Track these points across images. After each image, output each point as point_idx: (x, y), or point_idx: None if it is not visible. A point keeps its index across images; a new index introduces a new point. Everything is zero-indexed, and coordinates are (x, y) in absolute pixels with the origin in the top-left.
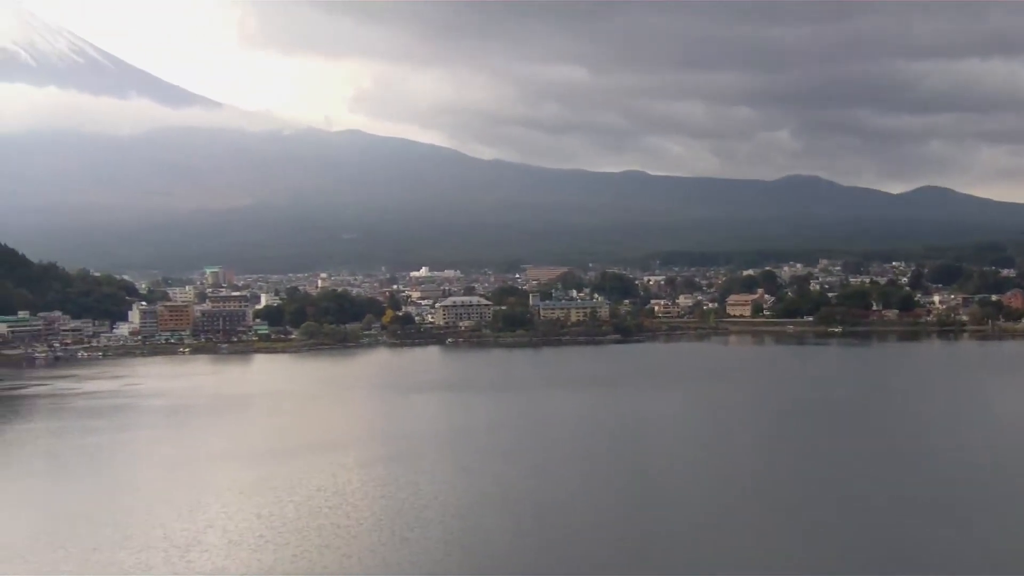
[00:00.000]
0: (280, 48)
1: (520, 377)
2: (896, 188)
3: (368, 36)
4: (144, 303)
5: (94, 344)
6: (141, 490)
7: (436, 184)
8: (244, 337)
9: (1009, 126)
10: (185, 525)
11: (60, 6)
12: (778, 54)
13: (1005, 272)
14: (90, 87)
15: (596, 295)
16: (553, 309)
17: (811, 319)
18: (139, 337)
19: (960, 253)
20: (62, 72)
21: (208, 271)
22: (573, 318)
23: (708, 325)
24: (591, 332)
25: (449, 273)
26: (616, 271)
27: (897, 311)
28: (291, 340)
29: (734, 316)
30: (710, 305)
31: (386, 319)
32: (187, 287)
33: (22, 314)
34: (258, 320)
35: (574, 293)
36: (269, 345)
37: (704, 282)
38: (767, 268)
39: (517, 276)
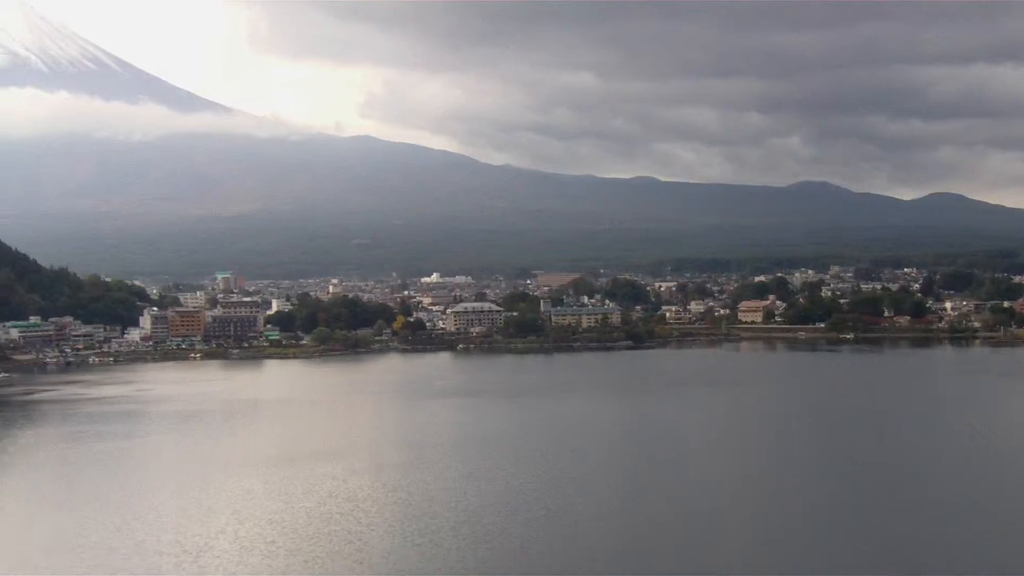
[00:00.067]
0: (291, 54)
1: (531, 383)
2: (907, 194)
3: (379, 42)
4: (155, 308)
5: (105, 349)
6: (152, 495)
7: (447, 190)
8: (255, 343)
9: (1020, 132)
10: (196, 530)
11: (72, 11)
12: (789, 61)
13: (1017, 278)
14: (101, 92)
15: (608, 301)
16: (564, 315)
17: (823, 325)
18: (150, 342)
19: (972, 259)
20: (73, 77)
21: (219, 276)
22: (584, 324)
23: (720, 331)
24: (603, 338)
25: (460, 279)
26: (627, 277)
27: (909, 317)
28: (302, 346)
29: (746, 322)
30: (722, 311)
31: (397, 325)
32: (198, 292)
33: (33, 319)
34: (269, 326)
35: (585, 299)
36: (280, 351)
37: (716, 288)
38: (779, 274)
39: (528, 282)
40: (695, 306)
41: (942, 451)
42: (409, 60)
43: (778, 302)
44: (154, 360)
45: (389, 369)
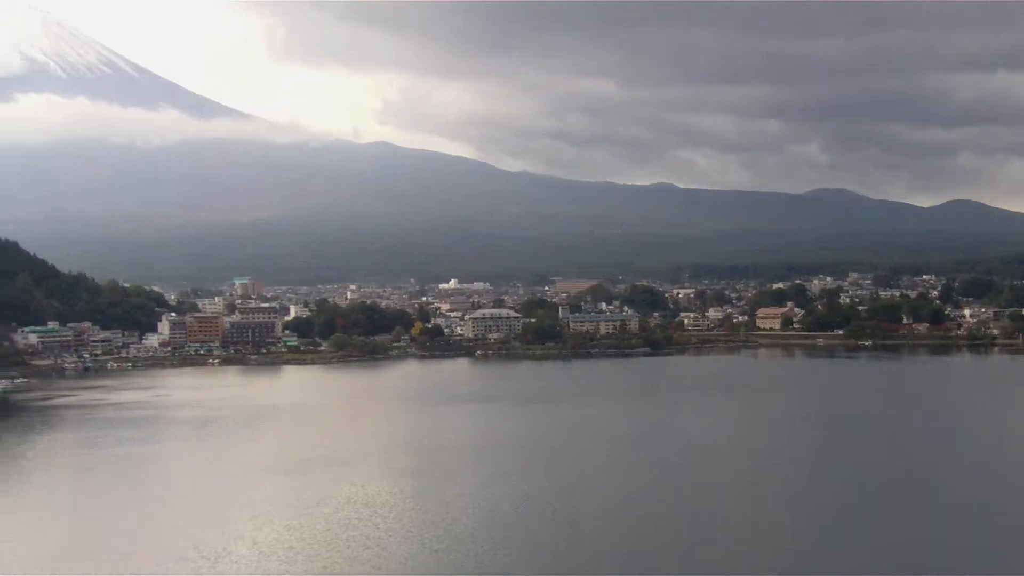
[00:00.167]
0: (308, 60)
1: (549, 389)
2: (926, 201)
3: (396, 48)
4: (173, 314)
5: (123, 355)
6: (171, 501)
7: (464, 196)
8: (273, 348)
9: None
10: (215, 536)
11: (90, 18)
12: (808, 67)
13: None
14: (119, 98)
15: (625, 308)
16: (582, 322)
17: (841, 332)
18: (168, 348)
19: (990, 266)
20: (91, 83)
21: (237, 282)
22: (602, 331)
23: (738, 338)
24: (620, 345)
25: (478, 285)
26: (645, 284)
27: (927, 324)
28: (320, 352)
29: (764, 329)
30: (740, 318)
31: (415, 331)
32: (216, 298)
33: (52, 325)
34: (287, 331)
35: (603, 306)
36: (298, 356)
37: (734, 295)
38: (797, 281)
39: (546, 288)
40: (713, 313)
41: (955, 455)
42: (426, 66)
43: (796, 309)
44: (172, 366)
45: (407, 375)
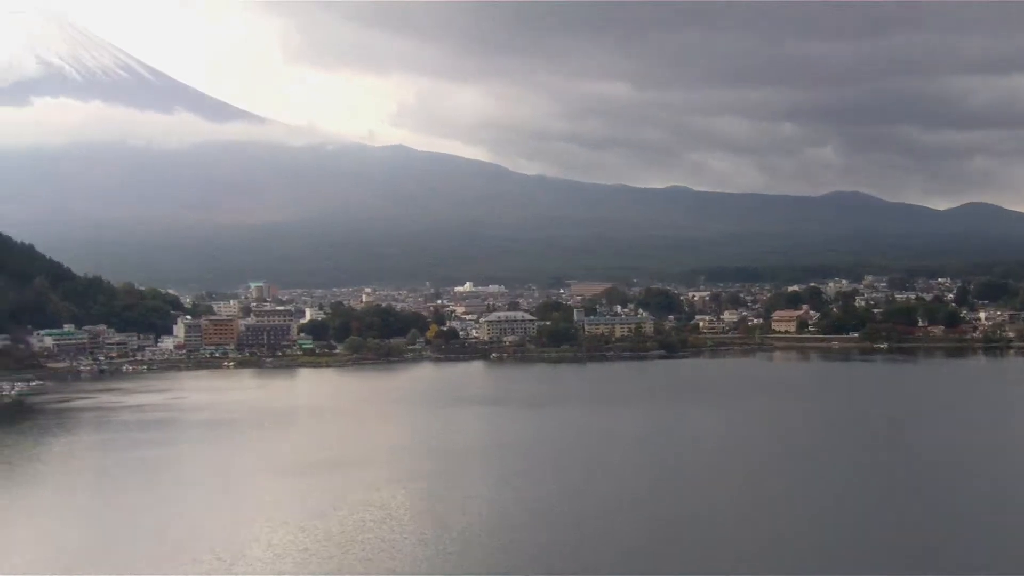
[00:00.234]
0: (324, 63)
1: (564, 392)
2: (941, 204)
3: (412, 51)
4: (189, 317)
5: (139, 358)
6: (186, 503)
7: (480, 199)
8: (288, 351)
9: None
10: (230, 538)
11: (106, 22)
12: (823, 70)
13: None
14: (135, 102)
15: (640, 311)
16: (597, 324)
17: (856, 335)
18: (184, 351)
19: (1006, 269)
20: (107, 87)
21: (253, 285)
22: (617, 333)
23: (753, 341)
24: (635, 348)
25: (493, 288)
26: (660, 287)
27: (943, 327)
28: (335, 355)
29: (779, 332)
30: (755, 321)
31: (430, 334)
32: (232, 301)
33: (67, 327)
34: (302, 334)
35: (618, 309)
36: (313, 360)
37: (749, 298)
38: (812, 284)
39: (561, 291)
40: (728, 316)
41: (972, 458)
42: (441, 69)
43: (811, 312)
44: (187, 368)
45: (422, 378)
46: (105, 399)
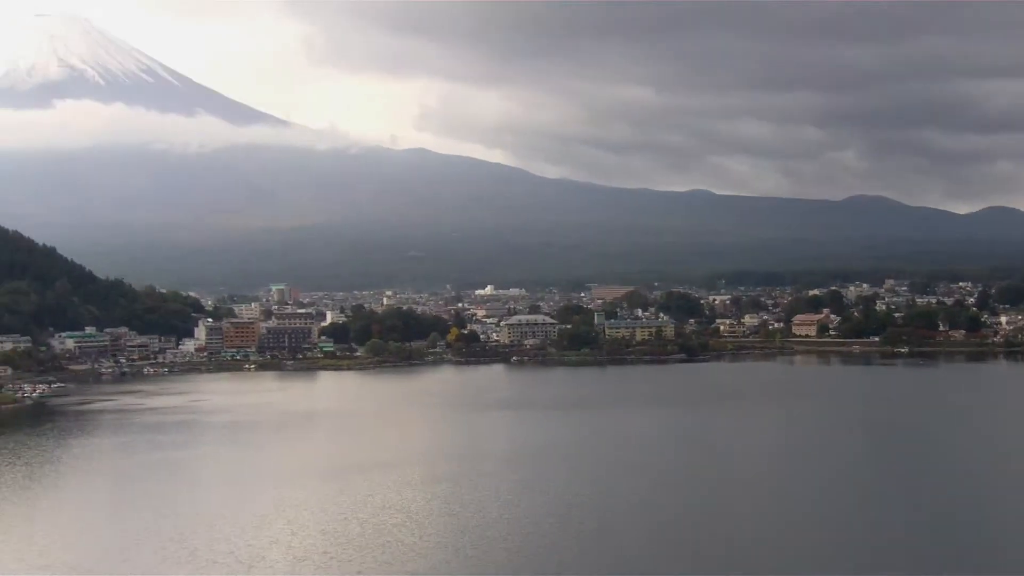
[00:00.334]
0: (347, 66)
1: (585, 396)
2: (963, 208)
3: (435, 55)
4: (210, 320)
5: (160, 360)
6: (206, 506)
7: (502, 203)
8: (309, 354)
9: None
10: (250, 541)
11: (128, 25)
12: (846, 74)
13: None
14: (157, 105)
15: (661, 314)
16: (618, 328)
17: (877, 339)
18: (205, 353)
19: None
20: (130, 90)
21: (274, 288)
22: (638, 337)
23: (774, 345)
24: (656, 351)
25: (514, 291)
26: (681, 290)
27: (964, 332)
28: (356, 357)
29: (800, 336)
30: (776, 325)
31: (451, 337)
32: (253, 304)
33: (89, 330)
34: (323, 337)
35: (639, 312)
36: (334, 362)
37: (770, 302)
38: (833, 288)
39: (582, 295)
40: (749, 319)
41: (993, 464)
42: (464, 73)
43: (832, 316)
44: (208, 371)
45: (442, 381)
46: (126, 401)
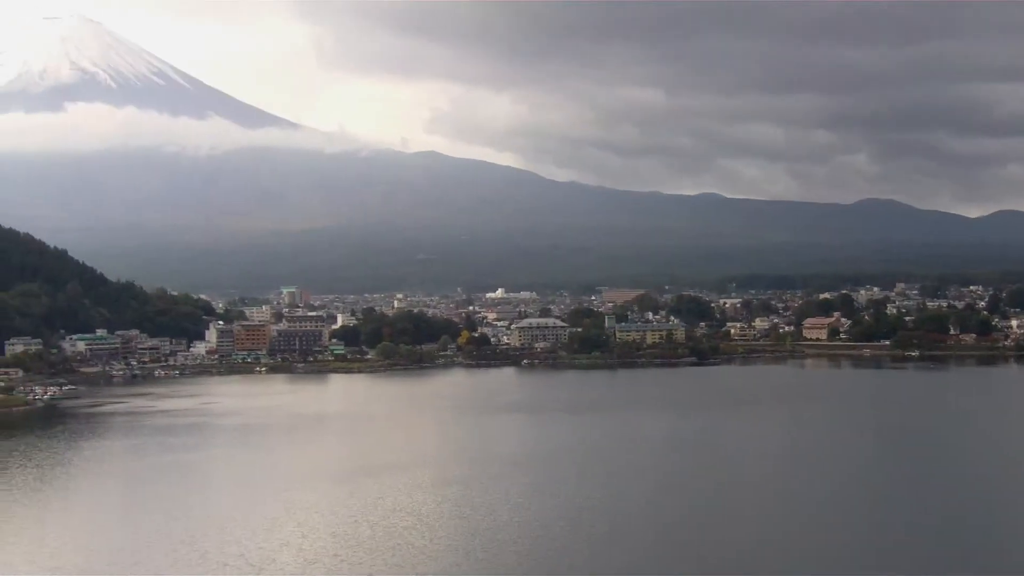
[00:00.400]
0: (357, 70)
1: (596, 399)
2: (973, 212)
3: (445, 58)
4: (221, 322)
5: (171, 362)
6: (216, 508)
7: (512, 206)
8: (320, 357)
9: None
10: (260, 543)
11: (140, 28)
12: (856, 77)
13: None
14: (169, 108)
15: (672, 318)
16: (629, 331)
17: (888, 343)
18: (216, 356)
19: None
20: (141, 93)
21: (285, 291)
22: (649, 340)
23: (784, 348)
24: (667, 354)
25: (525, 295)
26: (692, 294)
27: (974, 335)
28: (367, 360)
29: (810, 339)
30: (786, 328)
31: (462, 340)
32: (264, 307)
33: (100, 332)
34: (334, 340)
35: (650, 315)
36: (345, 365)
37: (780, 305)
38: (844, 291)
39: (593, 298)
40: (760, 323)
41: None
42: (474, 76)
43: (843, 319)
44: (219, 374)
45: (453, 384)
46: (137, 404)
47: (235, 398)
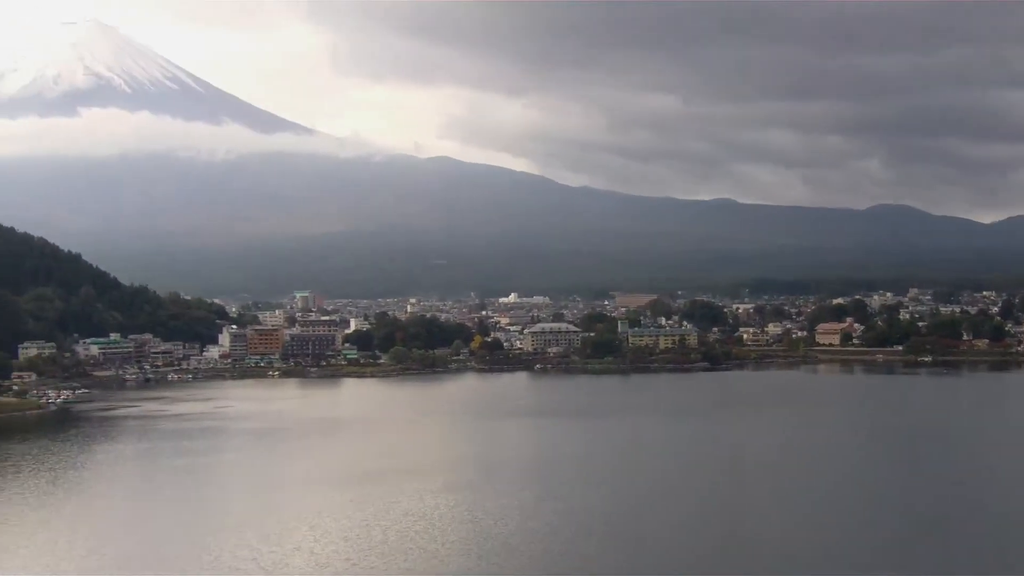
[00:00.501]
0: (371, 75)
1: (608, 404)
2: (987, 217)
3: (459, 64)
4: (234, 326)
5: (184, 366)
6: (229, 512)
7: (525, 211)
8: (333, 361)
9: None
10: (272, 548)
11: (154, 33)
12: (870, 83)
13: None
14: (183, 113)
15: (685, 323)
16: (642, 336)
17: (900, 348)
18: (229, 360)
19: None
20: (155, 98)
21: (298, 295)
22: (662, 345)
23: (797, 353)
24: (679, 359)
25: (538, 299)
26: (705, 299)
27: (987, 341)
28: (380, 365)
29: (823, 345)
30: (799, 333)
31: (474, 345)
32: (277, 311)
33: (114, 336)
34: (347, 344)
35: (663, 320)
36: (358, 369)
37: (793, 310)
38: (857, 297)
39: (606, 303)
40: (772, 328)
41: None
42: (488, 81)
43: (856, 325)
44: (232, 378)
45: (466, 388)
46: (150, 407)
47: (248, 402)
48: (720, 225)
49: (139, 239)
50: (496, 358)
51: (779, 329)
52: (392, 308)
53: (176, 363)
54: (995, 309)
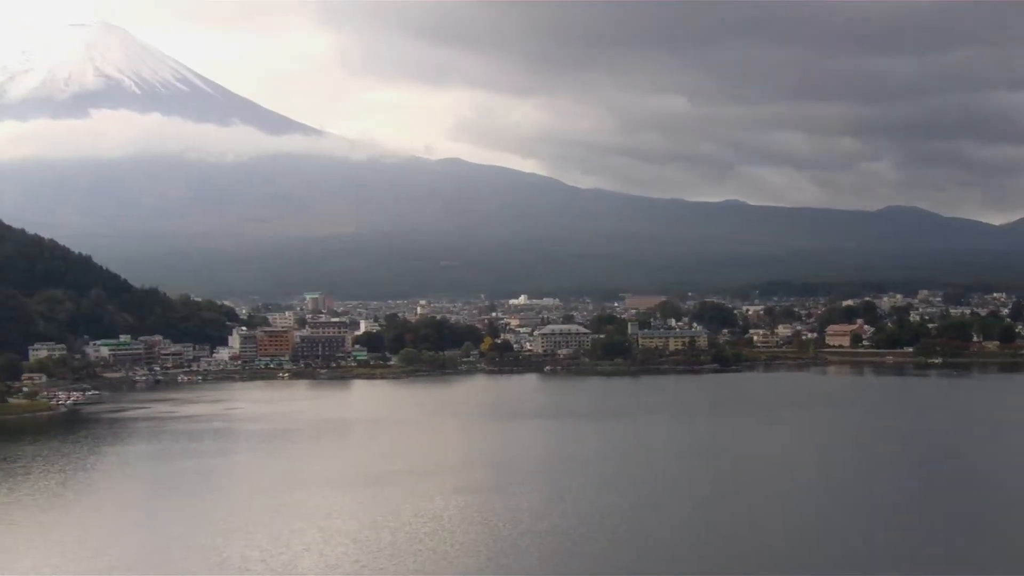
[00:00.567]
0: (382, 77)
1: (618, 405)
2: (998, 219)
3: (470, 66)
4: (244, 328)
5: (194, 368)
6: (239, 514)
7: (536, 212)
8: (343, 363)
9: None
10: (282, 549)
11: (165, 35)
12: (881, 85)
13: None
14: (193, 114)
15: (695, 324)
16: (652, 338)
17: (911, 350)
18: (239, 362)
19: None
20: (166, 99)
21: (308, 297)
22: (672, 347)
23: (807, 355)
24: (689, 361)
25: (548, 301)
26: (715, 300)
27: (998, 343)
28: (389, 366)
29: (833, 346)
30: (809, 335)
31: (484, 346)
32: (287, 313)
33: (124, 338)
34: (357, 346)
35: (673, 322)
36: (367, 371)
37: (803, 312)
38: (867, 298)
39: (616, 305)
40: (782, 330)
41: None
42: (500, 83)
43: (866, 326)
44: (242, 379)
45: (476, 390)
46: (160, 409)
47: (258, 404)
48: (730, 227)
49: (149, 241)
50: (506, 360)
51: (789, 331)
52: (402, 310)
53: (186, 365)
54: (1006, 311)
